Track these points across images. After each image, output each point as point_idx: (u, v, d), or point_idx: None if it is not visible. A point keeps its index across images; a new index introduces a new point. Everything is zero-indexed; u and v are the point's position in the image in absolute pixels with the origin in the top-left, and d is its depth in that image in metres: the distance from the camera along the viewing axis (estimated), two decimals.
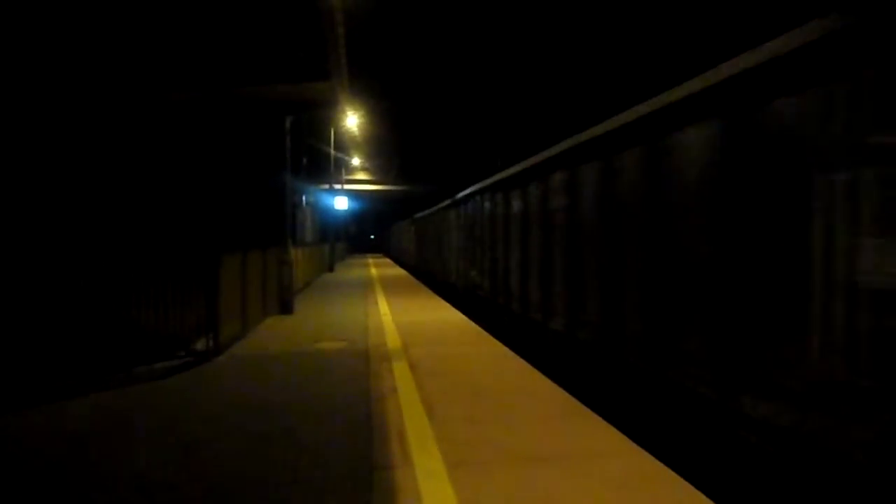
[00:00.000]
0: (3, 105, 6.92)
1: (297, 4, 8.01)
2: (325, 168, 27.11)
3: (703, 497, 3.29)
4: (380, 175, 51.86)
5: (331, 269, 24.96)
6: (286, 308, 11.00)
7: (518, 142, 45.58)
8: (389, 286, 17.70)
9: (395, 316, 10.67)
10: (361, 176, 49.98)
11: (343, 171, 34.95)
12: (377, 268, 29.29)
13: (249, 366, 6.78)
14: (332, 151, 25.61)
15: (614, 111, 7.17)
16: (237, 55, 8.08)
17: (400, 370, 6.32)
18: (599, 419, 4.74)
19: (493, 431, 4.33)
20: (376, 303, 12.85)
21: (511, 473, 3.56)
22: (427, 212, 27.77)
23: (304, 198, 26.11)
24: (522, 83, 44.18)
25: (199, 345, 7.07)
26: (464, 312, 11.74)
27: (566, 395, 5.49)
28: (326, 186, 28.96)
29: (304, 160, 22.48)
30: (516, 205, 11.68)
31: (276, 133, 11.57)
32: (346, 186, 36.26)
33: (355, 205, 50.34)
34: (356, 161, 42.28)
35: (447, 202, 20.93)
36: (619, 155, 6.96)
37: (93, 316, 6.08)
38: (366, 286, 17.67)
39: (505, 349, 7.83)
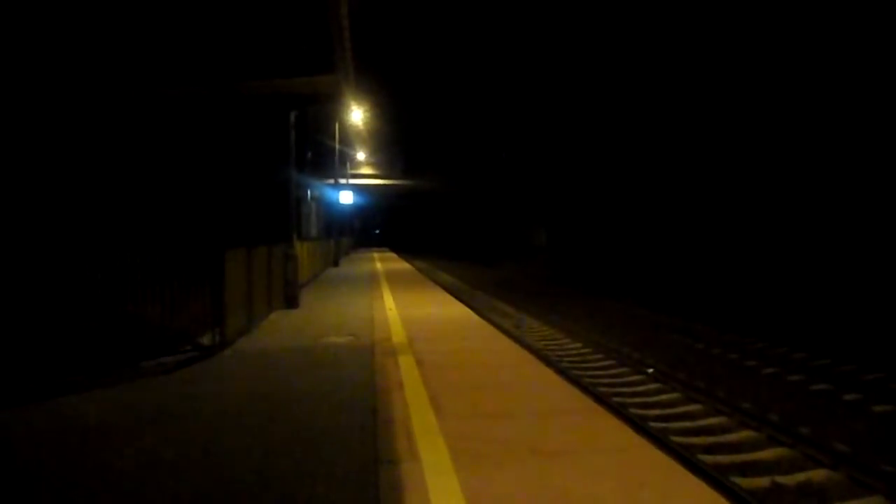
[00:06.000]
0: (8, 102, 6.92)
1: None
2: (329, 162, 27.06)
3: (709, 489, 3.28)
4: (385, 169, 51.77)
5: (336, 264, 24.97)
6: (291, 302, 11.01)
7: (523, 136, 45.38)
8: (395, 281, 17.69)
9: (401, 310, 10.66)
10: (366, 170, 49.90)
11: (348, 165, 34.88)
12: (382, 262, 29.30)
13: (255, 360, 6.78)
14: (337, 146, 25.56)
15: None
16: (241, 49, 8.05)
17: (406, 364, 6.31)
18: (608, 414, 4.72)
19: (500, 426, 4.32)
20: (381, 297, 12.85)
21: (518, 468, 3.55)
22: None
23: (308, 192, 26.08)
24: (527, 77, 43.97)
25: (206, 339, 7.08)
26: (469, 308, 11.73)
27: (574, 389, 5.47)
28: (331, 181, 28.93)
29: (309, 154, 22.45)
30: None
31: (281, 127, 11.54)
32: (351, 181, 36.19)
33: (360, 199, 50.25)
34: (361, 155, 42.21)
35: None
36: None
37: (100, 311, 6.10)
38: (371, 281, 17.67)
39: (512, 343, 7.82)
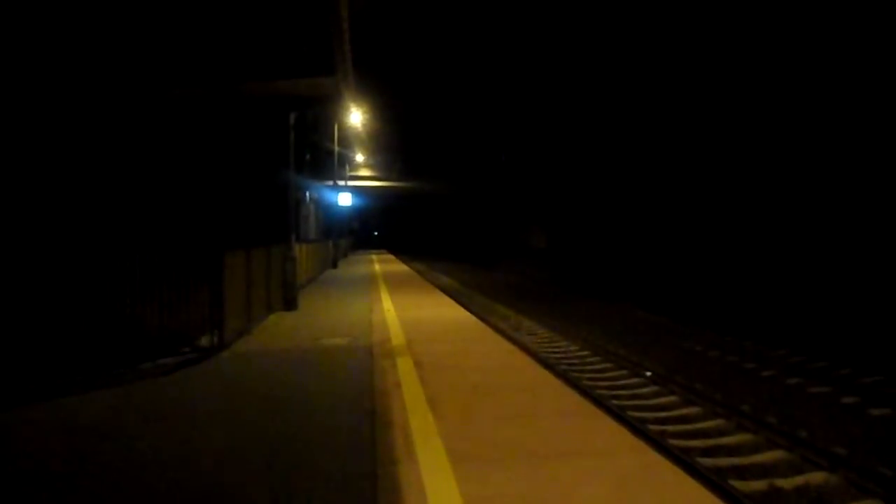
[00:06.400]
0: (8, 101, 6.92)
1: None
2: (328, 164, 27.09)
3: (707, 492, 3.28)
4: (383, 171, 51.82)
5: (334, 266, 24.96)
6: (290, 304, 11.00)
7: (522, 138, 45.45)
8: (393, 283, 17.69)
9: (400, 312, 10.66)
10: (365, 172, 49.95)
11: (346, 167, 34.90)
12: (381, 264, 29.30)
13: (253, 362, 6.78)
14: (336, 147, 25.57)
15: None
16: (242, 50, 8.05)
17: (404, 366, 6.31)
18: (606, 417, 4.73)
19: (498, 428, 4.32)
20: (380, 299, 12.85)
21: (516, 470, 3.55)
22: None
23: (307, 194, 26.09)
24: (526, 80, 44.06)
25: (204, 341, 7.08)
26: (468, 310, 11.73)
27: (573, 392, 5.48)
28: (330, 183, 28.95)
29: (308, 156, 22.47)
30: None
31: (280, 129, 11.55)
32: (350, 183, 36.22)
33: (359, 201, 50.26)
34: (360, 157, 42.25)
35: None
36: None
37: (98, 312, 6.09)
38: (370, 283, 17.67)
39: (510, 346, 7.82)
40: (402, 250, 58.06)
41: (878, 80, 16.83)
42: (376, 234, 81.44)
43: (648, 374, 9.29)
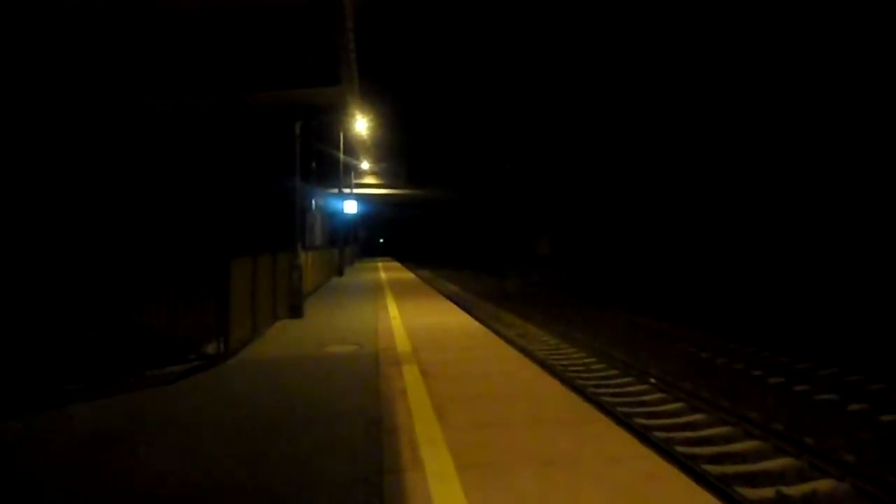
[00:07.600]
0: (29, 113, 7.03)
1: (308, 11, 8.06)
2: (334, 172, 27.18)
3: (715, 500, 3.27)
4: (389, 178, 51.90)
5: (340, 273, 25.01)
6: (296, 312, 11.04)
7: (527, 145, 45.51)
8: (399, 290, 17.70)
9: (405, 319, 10.67)
10: (370, 180, 50.05)
11: (352, 174, 35.01)
12: (386, 272, 29.33)
13: (259, 369, 6.80)
14: (342, 155, 25.67)
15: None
16: (249, 62, 8.14)
17: (410, 374, 6.32)
18: (610, 423, 4.72)
19: (504, 435, 4.32)
20: (386, 306, 12.86)
21: (521, 477, 3.55)
22: None
23: (313, 202, 26.21)
24: (531, 88, 44.19)
25: (210, 348, 7.11)
26: (474, 317, 11.72)
27: (577, 398, 5.47)
28: (335, 190, 29.06)
29: (314, 164, 22.57)
30: None
31: (285, 138, 11.63)
32: (356, 190, 36.31)
33: (364, 208, 50.37)
34: (365, 165, 42.34)
35: None
36: None
37: (105, 320, 6.14)
38: (375, 290, 17.69)
39: (516, 353, 7.82)
40: (407, 258, 58.06)
41: (876, 82, 16.78)
42: (381, 241, 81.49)
43: (653, 381, 9.26)
